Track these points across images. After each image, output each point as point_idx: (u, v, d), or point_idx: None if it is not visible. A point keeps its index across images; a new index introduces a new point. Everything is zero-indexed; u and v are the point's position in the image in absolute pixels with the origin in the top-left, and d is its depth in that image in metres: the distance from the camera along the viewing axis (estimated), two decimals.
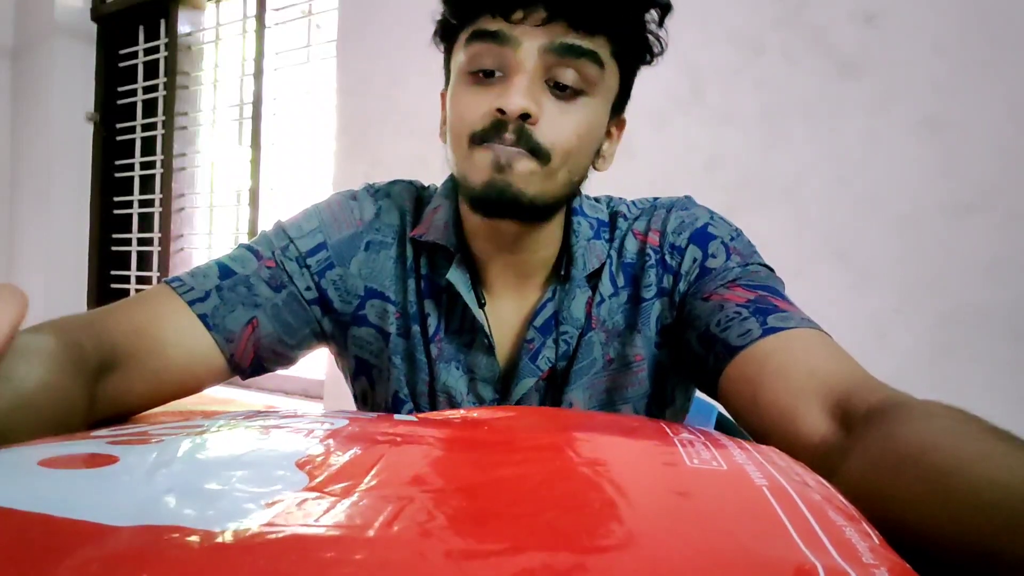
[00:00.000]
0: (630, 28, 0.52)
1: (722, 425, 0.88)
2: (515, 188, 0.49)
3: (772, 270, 0.56)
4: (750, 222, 0.59)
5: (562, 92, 0.50)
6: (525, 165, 0.49)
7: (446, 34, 0.55)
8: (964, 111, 1.06)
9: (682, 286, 0.56)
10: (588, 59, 0.49)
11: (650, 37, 0.53)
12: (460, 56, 0.52)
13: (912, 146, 1.10)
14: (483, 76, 0.50)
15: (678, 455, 0.27)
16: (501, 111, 0.48)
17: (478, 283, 0.58)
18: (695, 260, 0.56)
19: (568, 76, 0.49)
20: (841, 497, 0.24)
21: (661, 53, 0.54)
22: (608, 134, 0.57)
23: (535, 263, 0.58)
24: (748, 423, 0.45)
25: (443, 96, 0.58)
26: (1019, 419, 0.31)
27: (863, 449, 0.33)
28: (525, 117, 0.48)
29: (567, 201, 0.56)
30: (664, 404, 0.60)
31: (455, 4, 0.52)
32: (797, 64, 1.19)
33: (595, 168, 0.56)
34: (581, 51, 0.49)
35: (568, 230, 0.58)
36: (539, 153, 0.49)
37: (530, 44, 0.48)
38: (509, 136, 0.48)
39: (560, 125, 0.50)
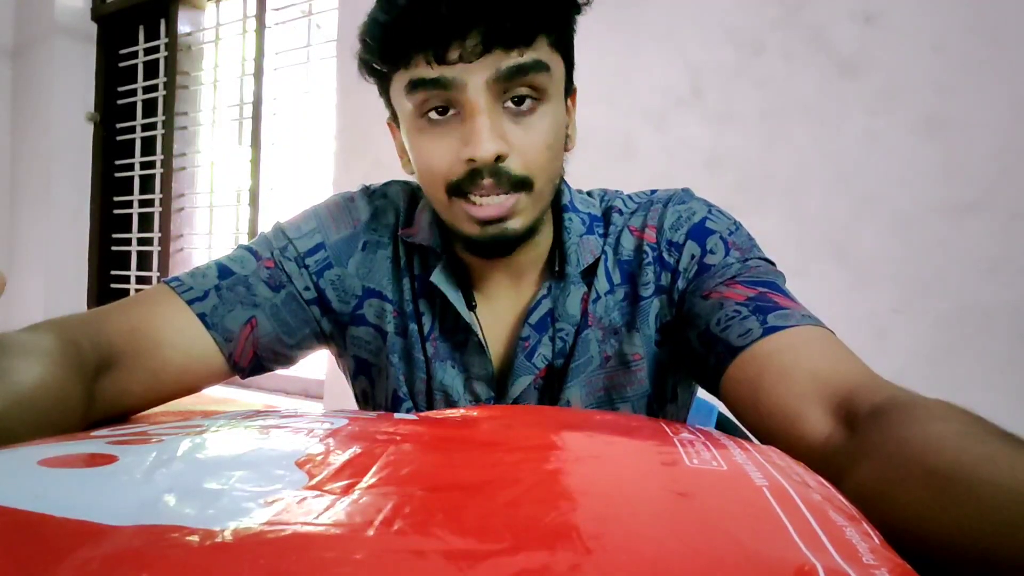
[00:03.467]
0: (561, 14, 0.50)
1: (722, 425, 0.88)
2: (510, 231, 0.50)
3: (772, 263, 0.55)
4: (750, 222, 0.59)
5: (520, 108, 0.49)
6: (513, 203, 0.49)
7: (374, 73, 0.52)
8: (964, 111, 1.06)
9: (681, 283, 0.55)
10: (536, 71, 0.48)
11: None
12: (404, 103, 0.50)
13: (912, 146, 1.10)
14: (436, 113, 0.49)
15: (678, 455, 0.27)
16: (472, 160, 0.47)
17: (468, 283, 0.58)
18: (693, 256, 0.55)
19: (521, 93, 0.48)
20: (841, 497, 0.24)
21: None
22: (566, 112, 0.55)
23: (526, 262, 0.58)
24: (751, 424, 0.45)
25: (391, 125, 0.57)
26: (1019, 419, 0.31)
27: (866, 452, 0.32)
28: (497, 158, 0.47)
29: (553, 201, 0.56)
30: (665, 402, 0.59)
31: (382, 54, 0.49)
32: (797, 64, 1.19)
33: (564, 151, 0.55)
34: (527, 67, 0.47)
35: (559, 227, 0.57)
36: (521, 184, 0.49)
37: (476, 81, 0.46)
38: (487, 182, 0.48)
39: (531, 148, 0.49)
